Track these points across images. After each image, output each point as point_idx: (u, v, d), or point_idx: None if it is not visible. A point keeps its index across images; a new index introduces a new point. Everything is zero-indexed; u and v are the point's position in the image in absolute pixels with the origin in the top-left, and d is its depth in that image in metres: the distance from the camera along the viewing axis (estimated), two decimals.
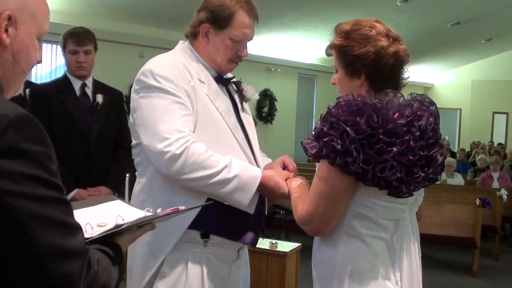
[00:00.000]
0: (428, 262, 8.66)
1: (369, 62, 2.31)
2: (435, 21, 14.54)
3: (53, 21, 8.90)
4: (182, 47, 2.87)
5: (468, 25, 15.30)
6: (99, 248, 1.57)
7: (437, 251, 9.54)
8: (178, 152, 2.52)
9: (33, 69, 9.48)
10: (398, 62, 2.36)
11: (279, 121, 15.38)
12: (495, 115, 22.22)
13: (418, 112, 2.25)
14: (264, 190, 2.69)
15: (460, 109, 22.70)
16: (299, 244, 5.86)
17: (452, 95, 22.59)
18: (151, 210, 1.93)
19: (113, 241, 1.68)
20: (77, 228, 1.44)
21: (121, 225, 1.68)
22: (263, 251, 5.54)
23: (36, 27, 1.58)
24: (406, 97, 2.32)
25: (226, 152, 2.67)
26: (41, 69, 9.83)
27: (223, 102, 2.81)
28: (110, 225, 1.72)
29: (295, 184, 2.63)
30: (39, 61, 1.66)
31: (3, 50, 1.51)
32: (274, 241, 5.76)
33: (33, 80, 9.05)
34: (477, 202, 8.58)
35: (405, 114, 2.21)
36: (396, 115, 2.19)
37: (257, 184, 2.64)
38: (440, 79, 22.90)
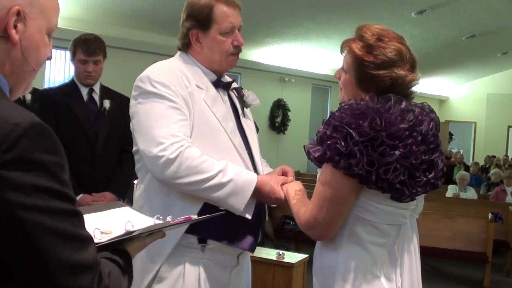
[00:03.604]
0: (438, 276, 8.60)
1: (382, 86, 2.29)
2: (450, 33, 14.50)
3: (68, 28, 8.89)
4: (180, 54, 2.90)
5: (484, 38, 15.24)
6: (109, 257, 1.55)
7: (448, 265, 9.45)
8: (172, 156, 2.53)
9: (47, 76, 9.58)
10: (410, 88, 2.36)
11: (292, 131, 15.35)
12: (511, 129, 22.07)
13: (419, 117, 2.25)
14: (259, 195, 2.68)
15: (475, 123, 22.58)
16: (307, 255, 5.79)
17: (467, 108, 22.49)
18: (161, 217, 1.92)
19: (122, 248, 1.66)
20: (89, 240, 1.42)
21: (133, 231, 1.65)
22: (270, 262, 5.50)
23: (46, 22, 1.54)
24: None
25: (222, 157, 2.67)
26: (55, 75, 9.84)
27: (221, 107, 2.82)
28: (115, 232, 1.69)
29: (295, 188, 2.61)
30: (49, 58, 1.61)
31: (12, 46, 1.48)
32: (281, 252, 5.71)
33: (46, 86, 9.06)
34: (489, 216, 8.49)
35: (407, 119, 2.20)
36: (398, 119, 2.19)
37: (252, 189, 2.63)
38: (455, 92, 22.80)
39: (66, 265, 1.33)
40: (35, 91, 4.59)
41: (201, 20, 2.79)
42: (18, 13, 1.46)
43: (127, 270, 1.59)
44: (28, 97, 4.53)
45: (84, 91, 4.37)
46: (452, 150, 21.56)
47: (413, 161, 2.17)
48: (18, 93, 1.57)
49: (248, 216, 2.67)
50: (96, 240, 1.60)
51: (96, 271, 1.40)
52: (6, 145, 1.28)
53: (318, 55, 14.51)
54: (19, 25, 1.47)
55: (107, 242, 1.59)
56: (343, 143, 2.16)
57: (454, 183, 11.98)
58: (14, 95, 1.55)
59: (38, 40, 1.53)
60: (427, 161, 2.23)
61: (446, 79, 21.00)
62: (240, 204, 2.61)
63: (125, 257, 1.63)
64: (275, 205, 2.85)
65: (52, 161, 1.34)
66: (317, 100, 16.79)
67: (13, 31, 1.46)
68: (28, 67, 1.54)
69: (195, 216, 1.98)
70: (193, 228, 2.63)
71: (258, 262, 5.32)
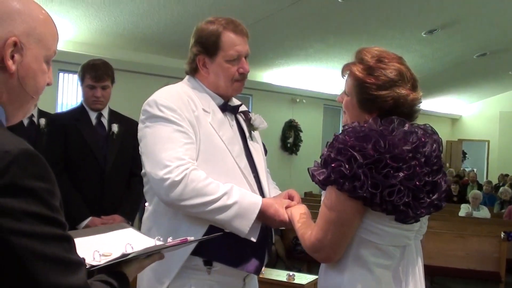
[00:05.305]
0: None
1: (385, 107, 2.31)
2: (461, 52, 14.49)
3: (79, 52, 8.94)
4: (189, 78, 2.95)
5: (495, 56, 15.23)
6: (104, 280, 1.56)
7: (461, 285, 9.33)
8: (178, 179, 2.55)
9: (59, 100, 9.65)
10: (412, 107, 2.37)
11: (304, 152, 15.34)
12: None
13: (423, 139, 2.25)
14: (264, 218, 2.69)
15: (488, 141, 22.48)
16: (317, 276, 5.75)
17: (480, 126, 22.41)
18: (161, 239, 1.93)
19: (120, 270, 1.67)
20: (79, 265, 1.43)
21: (128, 254, 1.68)
22: (280, 283, 5.51)
23: (43, 50, 1.56)
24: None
25: (228, 179, 2.69)
26: (67, 99, 9.93)
27: (228, 130, 2.85)
28: (115, 254, 1.71)
29: (299, 212, 2.62)
30: (49, 84, 1.63)
31: (9, 76, 1.49)
32: (291, 273, 5.72)
33: (59, 110, 9.15)
34: (502, 236, 8.44)
35: (410, 140, 2.21)
36: (402, 141, 2.20)
37: (257, 211, 2.64)
38: (468, 110, 22.74)
39: None
40: (44, 114, 4.65)
41: (208, 46, 2.83)
42: (15, 44, 1.48)
43: None
44: (43, 122, 4.60)
45: (93, 116, 4.43)
46: (465, 168, 21.47)
47: (417, 183, 2.17)
48: (15, 120, 1.59)
49: (253, 239, 2.68)
50: (94, 263, 1.64)
51: None
52: None
53: (329, 76, 14.53)
54: (16, 56, 1.49)
55: (104, 264, 1.62)
56: (347, 166, 2.17)
57: (467, 202, 11.92)
58: (10, 122, 1.57)
59: (35, 68, 1.55)
60: (431, 182, 2.23)
61: (458, 98, 20.97)
62: (245, 226, 2.62)
63: (122, 279, 1.64)
64: (282, 228, 2.86)
65: (42, 188, 1.35)
66: (329, 121, 16.79)
67: (9, 62, 1.48)
68: (25, 96, 1.55)
69: (191, 238, 2.00)
70: (199, 250, 2.66)
71: (268, 284, 5.33)
